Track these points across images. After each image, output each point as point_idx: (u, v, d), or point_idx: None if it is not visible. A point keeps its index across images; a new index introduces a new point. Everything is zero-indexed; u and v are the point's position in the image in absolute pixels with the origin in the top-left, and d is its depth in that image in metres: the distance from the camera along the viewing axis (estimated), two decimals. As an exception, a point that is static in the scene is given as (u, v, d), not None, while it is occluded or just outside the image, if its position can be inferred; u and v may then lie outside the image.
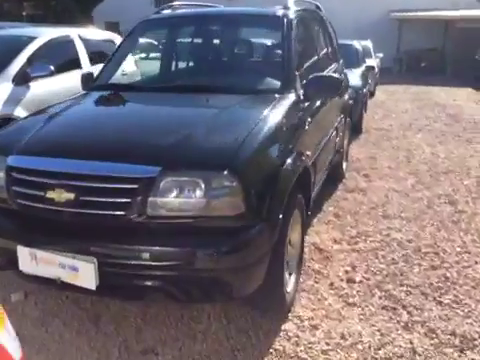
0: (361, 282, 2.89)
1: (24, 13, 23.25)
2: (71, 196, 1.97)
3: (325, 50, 4.10)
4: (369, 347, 2.29)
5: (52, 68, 5.06)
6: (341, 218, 3.89)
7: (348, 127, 4.92)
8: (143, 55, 9.60)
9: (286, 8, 3.28)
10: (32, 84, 5.02)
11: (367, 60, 9.10)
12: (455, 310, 2.59)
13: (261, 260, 2.04)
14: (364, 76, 7.62)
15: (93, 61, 6.02)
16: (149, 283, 2.00)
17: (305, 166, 2.52)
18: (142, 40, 11.63)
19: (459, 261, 3.15)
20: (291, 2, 3.37)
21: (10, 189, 2.14)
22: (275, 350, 2.26)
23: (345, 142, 4.91)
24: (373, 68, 8.59)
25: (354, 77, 6.70)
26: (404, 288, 2.81)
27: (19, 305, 2.62)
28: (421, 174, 5.19)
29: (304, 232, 2.83)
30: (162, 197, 1.95)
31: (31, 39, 5.26)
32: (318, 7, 4.45)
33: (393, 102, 11.00)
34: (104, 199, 1.97)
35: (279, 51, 3.01)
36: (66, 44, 5.70)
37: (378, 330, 2.42)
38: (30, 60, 5.08)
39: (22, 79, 4.91)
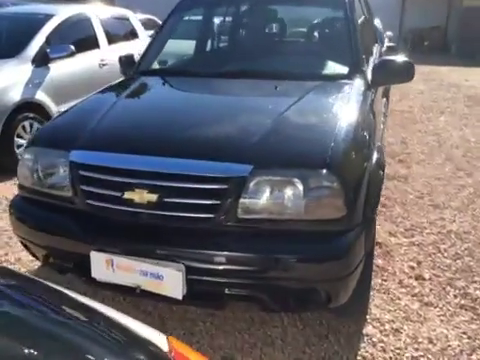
0: (431, 279, 2.75)
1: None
2: (154, 197, 1.78)
3: (370, 30, 3.87)
4: (461, 352, 2.16)
5: (72, 48, 4.78)
6: (390, 208, 3.74)
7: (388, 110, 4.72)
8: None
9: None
10: (51, 65, 4.74)
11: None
12: None
13: (359, 266, 1.87)
14: (381, 57, 7.38)
15: (110, 40, 5.74)
16: (240, 291, 1.83)
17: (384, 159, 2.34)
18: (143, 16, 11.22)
19: (525, 254, 3.02)
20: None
21: (77, 188, 1.94)
22: (363, 358, 2.12)
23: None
24: (394, 48, 8.33)
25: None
26: (477, 285, 2.68)
27: (75, 308, 2.45)
28: (457, 159, 5.03)
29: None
30: (254, 198, 1.77)
31: (48, 17, 4.96)
32: None
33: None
34: (191, 201, 1.78)
35: (343, 33, 2.78)
36: (83, 22, 5.41)
37: (464, 333, 2.29)
38: (48, 40, 4.79)
39: (42, 60, 4.64)
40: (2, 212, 3.66)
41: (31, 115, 4.44)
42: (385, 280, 2.74)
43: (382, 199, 3.89)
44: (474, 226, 3.44)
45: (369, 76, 2.64)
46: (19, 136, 4.36)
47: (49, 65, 4.72)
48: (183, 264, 1.76)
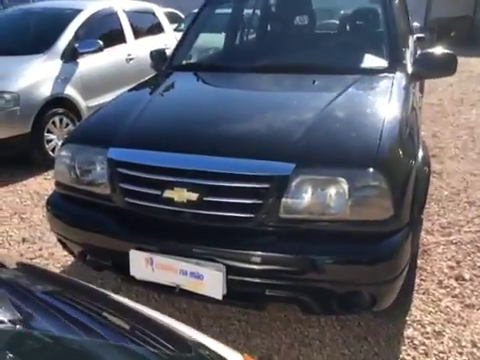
0: (472, 280, 2.66)
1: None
2: (194, 196, 1.74)
3: (406, 21, 3.74)
4: (508, 357, 2.07)
5: (101, 43, 4.79)
6: (425, 205, 3.62)
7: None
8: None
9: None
10: (80, 60, 4.76)
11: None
12: None
13: (405, 268, 1.81)
14: (415, 49, 7.19)
15: (136, 35, 5.73)
16: (281, 293, 1.78)
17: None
18: (165, 10, 11.24)
19: None
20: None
21: (116, 186, 1.92)
22: (405, 361, 2.06)
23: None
24: (425, 39, 8.10)
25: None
26: (521, 287, 2.58)
27: (109, 305, 2.45)
28: (492, 155, 4.86)
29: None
30: (296, 198, 1.71)
31: (77, 12, 4.98)
32: None
33: (434, 74, 10.48)
34: (232, 200, 1.74)
35: (382, 24, 2.68)
36: (110, 17, 5.42)
37: (510, 337, 2.20)
38: (77, 35, 4.80)
39: (71, 56, 4.67)
40: (34, 207, 3.71)
41: (60, 110, 4.47)
42: (424, 280, 2.66)
43: (416, 196, 3.80)
44: (514, 225, 3.31)
45: (409, 69, 2.54)
46: (49, 131, 4.40)
47: (78, 60, 4.74)
48: (223, 264, 1.73)
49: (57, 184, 2.20)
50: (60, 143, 4.43)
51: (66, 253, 2.54)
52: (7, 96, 3.99)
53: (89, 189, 2.04)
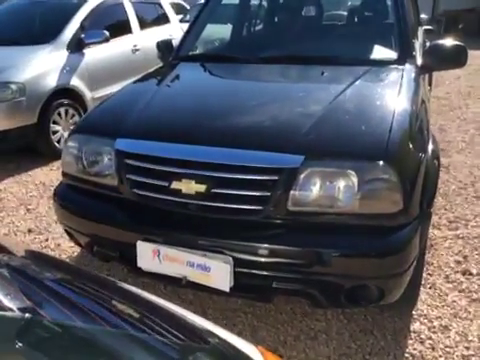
0: (479, 274, 2.64)
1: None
2: (202, 188, 1.73)
3: (415, 12, 3.69)
4: (515, 352, 2.07)
5: (107, 34, 4.76)
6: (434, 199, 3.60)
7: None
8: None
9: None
10: (86, 51, 4.75)
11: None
12: None
13: (413, 262, 1.79)
14: (424, 41, 7.11)
15: (142, 25, 5.70)
16: (288, 286, 1.78)
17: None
18: (170, 0, 11.13)
19: None
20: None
21: (123, 177, 1.91)
22: (412, 355, 2.05)
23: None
24: (433, 31, 8.01)
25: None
26: None
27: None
28: (500, 149, 4.82)
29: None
30: (305, 190, 1.70)
31: (82, 2, 4.95)
32: None
33: (441, 67, 10.37)
34: (240, 192, 1.73)
35: (392, 15, 2.65)
36: (116, 7, 5.39)
37: (517, 332, 2.19)
38: (83, 25, 4.78)
39: (76, 46, 4.65)
40: (40, 198, 3.72)
41: (66, 101, 4.46)
42: (430, 274, 2.64)
43: (423, 189, 3.77)
44: (522, 219, 3.28)
45: (419, 61, 2.51)
46: (55, 122, 4.39)
47: (83, 51, 4.72)
48: (231, 256, 1.72)
49: (64, 175, 2.20)
50: (66, 134, 4.45)
51: (73, 244, 2.54)
52: (13, 86, 3.98)
53: (96, 180, 2.04)
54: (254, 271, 1.77)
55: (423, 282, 2.55)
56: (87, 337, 0.82)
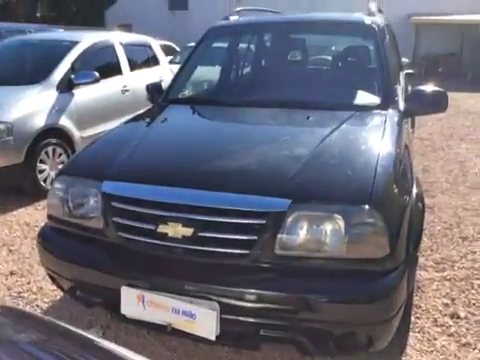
0: (467, 318, 2.62)
1: (38, 14, 23.06)
2: (189, 231, 1.72)
3: (397, 57, 3.84)
4: (507, 400, 2.03)
5: (97, 75, 4.83)
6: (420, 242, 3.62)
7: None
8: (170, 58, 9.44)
9: (371, 14, 3.03)
10: (75, 91, 4.80)
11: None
12: None
13: (401, 308, 1.78)
14: (406, 85, 7.36)
15: (132, 67, 5.81)
16: (276, 333, 1.74)
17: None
18: (161, 42, 11.42)
19: None
20: (374, 8, 3.12)
21: (109, 220, 1.90)
22: (403, 404, 2.00)
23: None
24: (414, 75, 8.30)
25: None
26: (517, 325, 2.55)
27: (98, 342, 2.37)
28: (483, 190, 4.91)
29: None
30: (292, 234, 1.70)
31: (73, 44, 5.04)
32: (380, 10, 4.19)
33: (423, 109, 10.69)
34: (227, 236, 1.72)
35: (374, 62, 2.75)
36: (107, 49, 5.50)
37: (508, 378, 2.16)
38: (73, 66, 4.85)
39: (66, 86, 4.70)
40: (23, 238, 3.64)
41: (54, 141, 4.46)
42: (419, 318, 2.62)
43: (409, 230, 3.80)
44: (507, 261, 3.30)
45: (401, 106, 2.59)
46: (42, 161, 4.37)
47: (73, 91, 4.77)
48: (217, 302, 1.69)
49: (49, 217, 2.17)
50: (53, 173, 4.42)
51: (55, 287, 2.48)
52: (1, 126, 3.98)
53: (81, 223, 2.02)
54: (241, 318, 1.73)
55: (411, 326, 2.52)
56: None
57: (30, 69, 4.89)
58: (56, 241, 2.09)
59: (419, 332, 2.48)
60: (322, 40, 3.31)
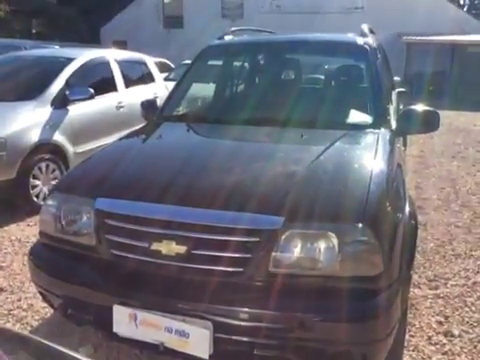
0: (461, 336, 2.62)
1: (34, 31, 23.21)
2: (182, 249, 1.72)
3: (389, 77, 3.90)
4: None
5: (92, 91, 4.85)
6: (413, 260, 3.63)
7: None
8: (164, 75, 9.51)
9: (364, 35, 3.09)
10: (70, 107, 4.81)
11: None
12: None
13: (396, 326, 1.78)
14: (398, 104, 7.46)
15: (127, 84, 5.85)
16: (270, 352, 1.72)
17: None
18: (156, 59, 11.49)
19: None
20: (366, 29, 3.18)
21: (102, 237, 1.89)
22: None
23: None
24: (406, 93, 8.42)
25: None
26: (510, 343, 2.54)
27: (89, 361, 2.33)
28: (475, 207, 4.95)
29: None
30: (286, 252, 1.70)
31: (69, 61, 5.07)
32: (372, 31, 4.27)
33: (415, 126, 10.82)
34: (220, 253, 1.71)
35: (367, 81, 2.80)
36: (102, 66, 5.53)
37: (502, 398, 2.15)
38: (68, 82, 4.87)
39: (61, 102, 4.71)
40: (14, 255, 3.60)
41: (47, 156, 4.45)
42: (413, 336, 2.61)
43: (402, 247, 3.80)
44: (500, 278, 3.32)
45: (393, 125, 2.62)
46: (35, 177, 4.35)
47: (68, 107, 4.78)
48: (210, 321, 1.68)
49: (41, 234, 2.15)
50: (45, 188, 4.39)
51: (46, 304, 2.44)
52: (-6, 141, 3.97)
53: (74, 239, 2.00)
54: (234, 337, 1.71)
55: (406, 344, 2.51)
56: None
57: (25, 85, 4.90)
58: (48, 258, 2.07)
59: (413, 350, 2.47)
60: (315, 60, 3.36)
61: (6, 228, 4.10)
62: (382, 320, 1.68)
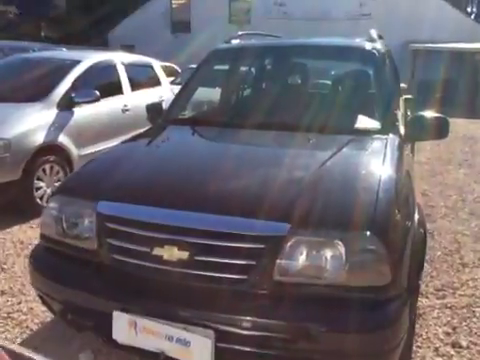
0: (469, 347, 2.55)
1: (42, 34, 23.38)
2: (185, 255, 1.68)
3: (397, 83, 3.85)
4: None
5: (97, 93, 4.84)
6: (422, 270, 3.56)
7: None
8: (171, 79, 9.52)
9: (372, 40, 3.05)
10: (75, 109, 4.79)
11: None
12: None
13: (403, 337, 1.72)
14: (406, 111, 7.41)
15: (133, 87, 5.83)
16: (274, 362, 1.67)
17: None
18: (162, 63, 11.49)
19: None
20: (375, 34, 3.14)
21: (103, 241, 1.85)
22: None
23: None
24: (413, 100, 8.36)
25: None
26: (520, 356, 2.47)
27: (89, 368, 2.29)
28: (483, 215, 4.88)
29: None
30: (292, 260, 1.66)
31: (75, 63, 5.07)
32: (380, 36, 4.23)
33: (422, 134, 10.75)
34: (224, 260, 1.67)
35: (375, 87, 2.75)
36: (109, 69, 5.52)
37: None
38: (74, 85, 4.86)
39: (67, 105, 4.70)
40: (16, 257, 3.57)
41: (52, 158, 4.43)
42: (420, 347, 2.55)
43: (409, 256, 3.74)
44: (509, 289, 3.24)
45: (402, 131, 2.57)
46: (39, 179, 4.33)
47: (73, 109, 4.77)
48: (212, 330, 1.63)
49: (42, 237, 2.12)
50: (49, 190, 4.37)
51: (46, 308, 2.41)
52: (-2, 142, 3.96)
53: (75, 243, 1.97)
54: (237, 347, 1.67)
55: (413, 355, 2.45)
56: None
57: (32, 87, 4.89)
58: (48, 262, 2.04)
59: (421, 362, 2.41)
60: (323, 64, 3.32)
61: (9, 230, 4.08)
62: (390, 331, 1.63)
